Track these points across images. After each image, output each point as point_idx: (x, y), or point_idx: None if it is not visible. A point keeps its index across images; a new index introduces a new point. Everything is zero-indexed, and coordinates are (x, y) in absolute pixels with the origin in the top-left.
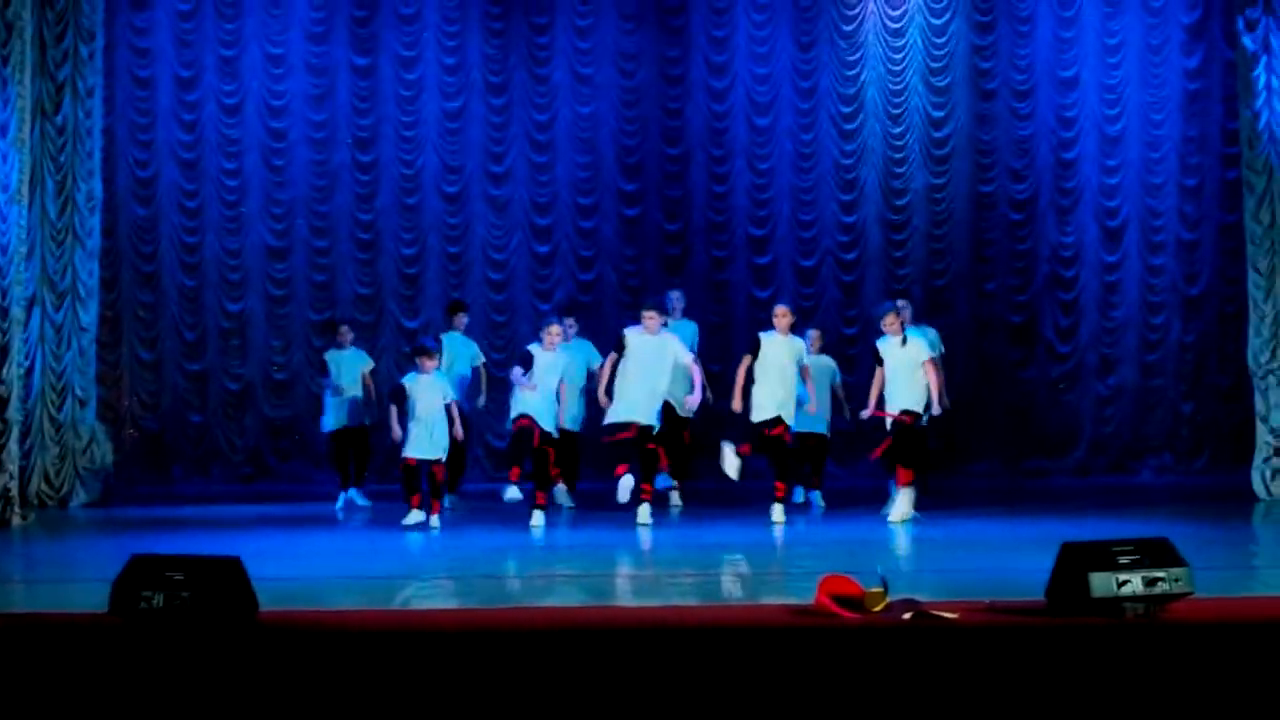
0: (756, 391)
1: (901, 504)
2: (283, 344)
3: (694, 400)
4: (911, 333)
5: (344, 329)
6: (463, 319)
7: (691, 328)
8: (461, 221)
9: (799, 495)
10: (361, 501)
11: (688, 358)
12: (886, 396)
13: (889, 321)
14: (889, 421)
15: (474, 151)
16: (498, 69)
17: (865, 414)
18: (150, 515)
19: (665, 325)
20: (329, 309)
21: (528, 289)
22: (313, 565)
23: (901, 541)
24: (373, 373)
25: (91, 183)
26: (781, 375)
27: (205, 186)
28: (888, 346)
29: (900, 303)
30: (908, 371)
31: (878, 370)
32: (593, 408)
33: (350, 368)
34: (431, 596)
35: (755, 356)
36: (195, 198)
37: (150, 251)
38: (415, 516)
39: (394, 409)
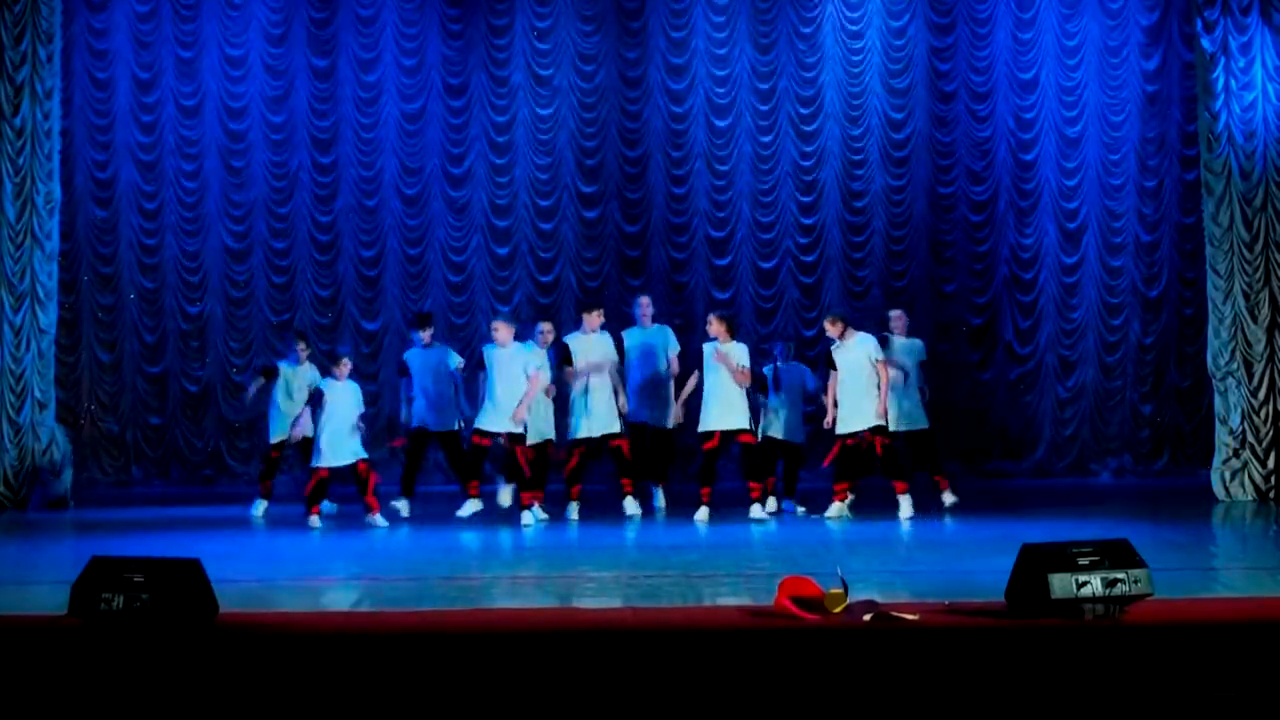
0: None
1: (831, 510)
2: (242, 346)
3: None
4: (900, 341)
5: (301, 345)
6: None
7: (666, 332)
8: (421, 223)
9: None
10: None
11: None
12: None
13: (827, 325)
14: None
15: (433, 153)
16: (457, 70)
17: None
18: (110, 517)
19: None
20: (288, 311)
21: (487, 290)
22: (272, 567)
23: (862, 543)
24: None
25: (50, 185)
26: (723, 384)
27: (164, 188)
28: (836, 350)
29: (893, 312)
30: (853, 376)
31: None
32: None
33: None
34: (390, 598)
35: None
36: (154, 199)
37: (109, 253)
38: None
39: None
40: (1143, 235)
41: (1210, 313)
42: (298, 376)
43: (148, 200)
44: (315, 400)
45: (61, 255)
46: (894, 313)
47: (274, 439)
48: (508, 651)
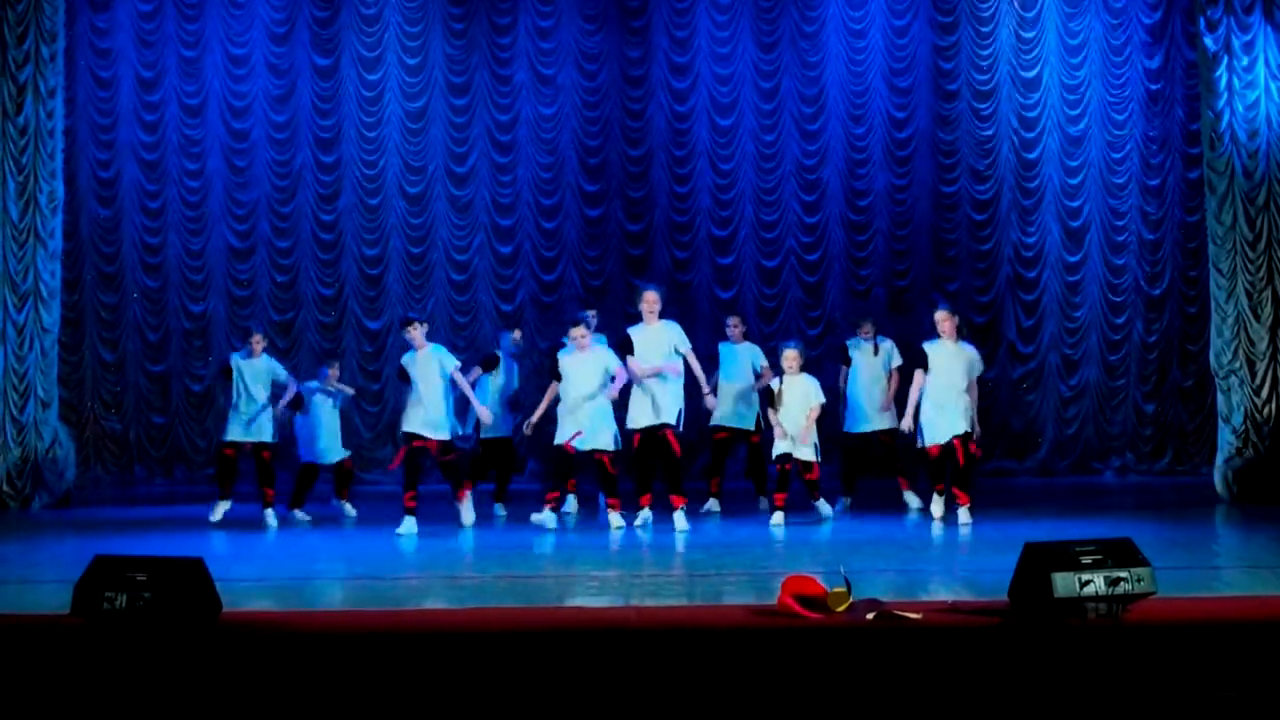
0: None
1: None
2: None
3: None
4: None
5: (256, 337)
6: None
7: (675, 329)
8: (424, 222)
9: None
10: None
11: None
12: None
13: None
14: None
15: (436, 152)
16: (460, 69)
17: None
18: (113, 516)
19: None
20: (291, 309)
21: (490, 289)
22: (275, 566)
23: (865, 542)
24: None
25: (54, 184)
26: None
27: (167, 187)
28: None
29: (938, 313)
30: (870, 379)
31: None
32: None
33: (259, 377)
34: (392, 598)
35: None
36: (157, 198)
37: (112, 252)
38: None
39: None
40: (1145, 234)
41: (1213, 311)
42: (251, 369)
43: (151, 199)
44: (295, 403)
45: (64, 254)
46: (938, 314)
47: (230, 437)
48: (510, 651)
